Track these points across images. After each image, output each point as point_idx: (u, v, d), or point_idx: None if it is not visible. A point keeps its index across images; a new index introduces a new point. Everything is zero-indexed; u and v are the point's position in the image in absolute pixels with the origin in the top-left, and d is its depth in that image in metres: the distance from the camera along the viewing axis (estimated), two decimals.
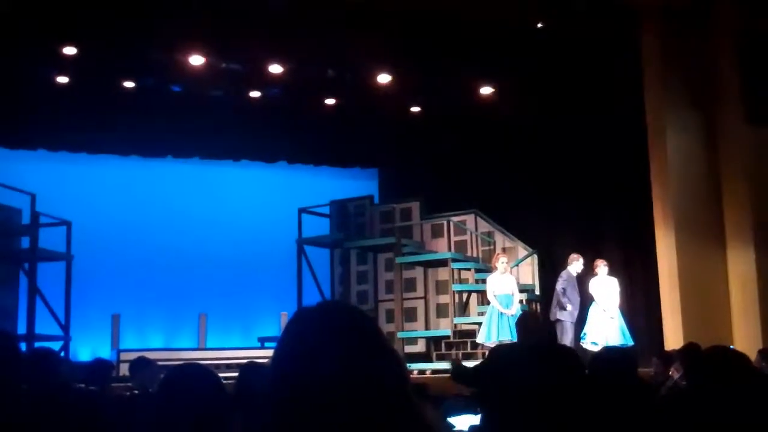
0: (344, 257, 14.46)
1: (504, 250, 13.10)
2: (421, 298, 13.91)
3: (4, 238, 12.01)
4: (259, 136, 14.42)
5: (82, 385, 5.70)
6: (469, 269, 13.17)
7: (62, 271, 12.21)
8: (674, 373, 6.94)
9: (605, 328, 10.65)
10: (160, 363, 7.32)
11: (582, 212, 13.57)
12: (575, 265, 11.25)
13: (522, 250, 13.52)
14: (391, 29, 11.22)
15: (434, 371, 11.52)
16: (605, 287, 10.92)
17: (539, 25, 11.37)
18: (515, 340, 10.28)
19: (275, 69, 12.30)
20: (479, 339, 11.04)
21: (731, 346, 8.50)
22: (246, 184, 15.29)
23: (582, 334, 10.83)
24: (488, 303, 11.11)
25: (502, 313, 10.69)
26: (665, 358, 7.52)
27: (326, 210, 14.49)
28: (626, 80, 11.46)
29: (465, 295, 13.20)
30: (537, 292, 13.12)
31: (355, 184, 15.41)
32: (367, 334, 1.50)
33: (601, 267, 11.05)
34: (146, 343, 13.44)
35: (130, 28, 10.87)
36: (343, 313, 1.53)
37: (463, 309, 13.05)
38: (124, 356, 11.55)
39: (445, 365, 11.97)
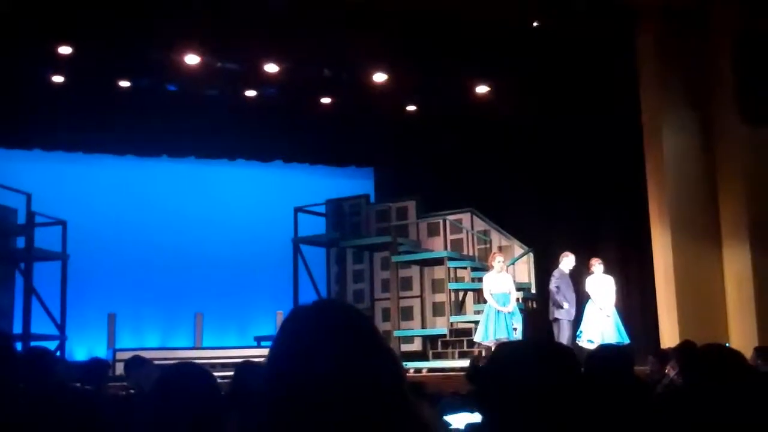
0: (340, 256, 14.47)
1: (500, 248, 13.11)
2: (417, 296, 13.92)
3: (0, 238, 11.99)
4: (255, 135, 14.41)
5: (78, 385, 5.69)
6: (465, 268, 13.18)
7: (58, 271, 12.20)
8: (670, 371, 6.94)
9: (601, 326, 10.67)
10: (156, 362, 7.31)
11: (578, 211, 13.58)
12: (566, 262, 11.27)
13: (518, 249, 13.53)
14: (387, 28, 11.21)
15: (431, 370, 11.52)
16: (601, 285, 10.94)
17: (535, 24, 11.36)
18: (512, 338, 10.32)
19: (271, 68, 12.28)
20: (476, 338, 11.02)
21: (727, 344, 8.53)
22: (242, 183, 15.28)
23: (578, 333, 10.85)
24: (484, 301, 11.11)
25: (499, 311, 10.69)
26: (661, 356, 7.52)
27: (322, 209, 14.51)
28: (623, 80, 11.46)
29: (461, 294, 13.22)
30: (533, 291, 13.13)
31: (351, 183, 15.41)
32: (364, 332, 1.50)
33: (597, 265, 11.07)
34: (142, 343, 13.43)
35: (126, 27, 10.85)
36: (339, 311, 1.53)
37: (459, 307, 13.07)
38: (120, 355, 11.52)
39: (441, 364, 11.99)
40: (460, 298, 13.21)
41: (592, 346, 9.88)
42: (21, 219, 11.97)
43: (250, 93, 13.50)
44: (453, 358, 12.49)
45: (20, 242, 12.08)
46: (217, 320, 14.04)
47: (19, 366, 3.55)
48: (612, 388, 3.27)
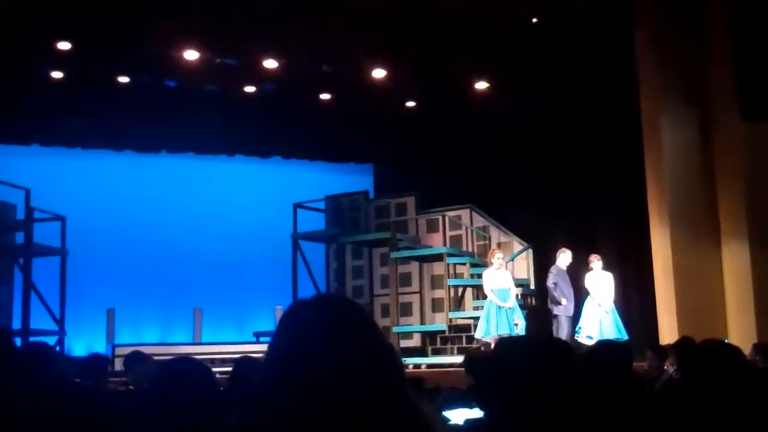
0: (339, 252, 14.47)
1: (499, 245, 13.11)
2: (416, 292, 13.93)
3: None
4: (254, 131, 14.39)
5: (78, 381, 5.69)
6: (464, 264, 13.18)
7: (57, 266, 12.20)
8: (669, 367, 6.95)
9: (600, 322, 10.68)
10: (155, 358, 7.30)
11: (577, 207, 13.59)
12: (563, 258, 11.29)
13: (517, 245, 13.52)
14: (386, 24, 11.20)
15: (430, 365, 11.53)
16: (600, 282, 10.95)
17: (534, 20, 11.35)
18: (513, 334, 10.32)
19: (270, 64, 12.28)
20: (477, 334, 10.93)
21: (725, 340, 8.52)
22: (241, 179, 15.27)
23: (577, 329, 10.85)
24: (483, 298, 11.10)
25: (500, 307, 10.65)
26: (660, 352, 7.53)
27: (321, 205, 14.51)
28: (622, 77, 11.46)
29: (460, 290, 13.22)
30: (532, 287, 13.13)
31: (350, 179, 15.41)
32: (363, 327, 1.50)
33: (596, 262, 11.08)
34: (141, 338, 13.42)
35: (125, 23, 10.84)
36: (338, 306, 1.53)
37: (458, 303, 13.07)
38: (119, 351, 11.53)
39: (440, 359, 12.00)
40: (459, 294, 13.21)
41: (590, 342, 9.89)
42: (20, 214, 11.97)
43: (250, 89, 13.48)
44: (452, 353, 12.50)
45: (19, 238, 12.08)
46: (216, 316, 14.04)
47: (20, 362, 3.55)
48: (611, 384, 3.27)
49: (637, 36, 11.00)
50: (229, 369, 4.46)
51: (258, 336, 13.50)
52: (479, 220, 13.95)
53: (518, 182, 14.05)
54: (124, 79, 12.73)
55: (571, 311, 11.04)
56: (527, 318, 10.50)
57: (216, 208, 14.90)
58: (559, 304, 11.00)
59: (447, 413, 4.00)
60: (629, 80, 11.14)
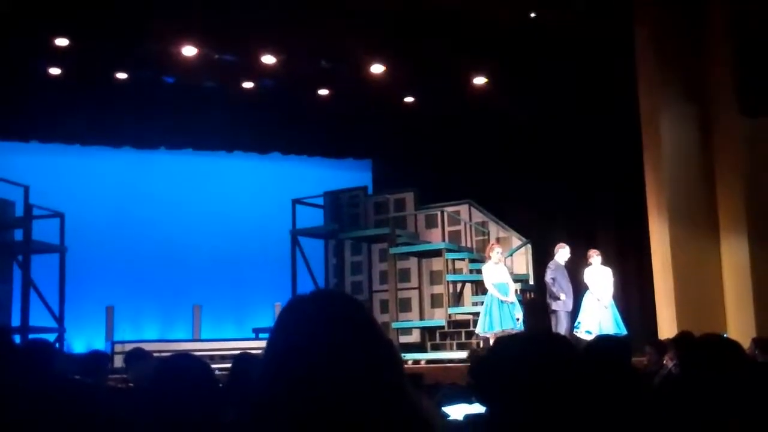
0: (338, 248, 14.47)
1: (498, 240, 13.11)
2: (415, 288, 13.93)
3: None
4: (253, 127, 14.38)
5: (78, 378, 5.69)
6: (463, 259, 13.18)
7: (56, 263, 12.19)
8: (668, 362, 6.96)
9: (599, 317, 10.68)
10: (154, 354, 7.30)
11: (576, 202, 13.60)
12: (561, 253, 11.28)
13: (516, 240, 13.53)
14: (385, 20, 11.19)
15: (429, 361, 11.53)
16: (599, 277, 10.96)
17: (532, 15, 11.35)
18: (516, 328, 10.31)
19: (268, 60, 12.26)
20: (478, 330, 10.80)
21: (725, 335, 8.53)
22: (239, 175, 15.26)
23: (576, 323, 10.86)
24: (482, 293, 11.09)
25: (502, 301, 10.58)
26: (659, 347, 7.53)
27: (320, 201, 14.49)
28: (621, 73, 11.45)
29: (459, 286, 13.22)
30: (531, 282, 13.14)
31: (348, 175, 15.41)
32: (362, 323, 1.50)
33: (595, 257, 11.09)
34: (141, 335, 13.42)
35: (123, 19, 10.82)
36: (336, 302, 1.53)
37: (457, 299, 13.08)
38: (118, 348, 11.54)
39: (439, 355, 12.00)
40: (458, 289, 13.22)
41: (589, 337, 9.89)
42: (19, 211, 11.95)
43: (248, 85, 13.47)
44: (451, 349, 12.51)
45: (18, 235, 12.06)
46: (215, 312, 14.05)
47: (19, 359, 3.55)
48: (610, 379, 3.28)
49: (636, 35, 11.00)
50: (229, 365, 4.46)
51: (257, 332, 13.50)
52: (478, 216, 13.96)
53: (517, 178, 14.05)
54: (122, 76, 12.71)
55: (569, 306, 11.05)
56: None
57: (215, 205, 14.89)
58: (558, 299, 11.00)
59: (446, 409, 4.00)
60: (629, 79, 11.13)
